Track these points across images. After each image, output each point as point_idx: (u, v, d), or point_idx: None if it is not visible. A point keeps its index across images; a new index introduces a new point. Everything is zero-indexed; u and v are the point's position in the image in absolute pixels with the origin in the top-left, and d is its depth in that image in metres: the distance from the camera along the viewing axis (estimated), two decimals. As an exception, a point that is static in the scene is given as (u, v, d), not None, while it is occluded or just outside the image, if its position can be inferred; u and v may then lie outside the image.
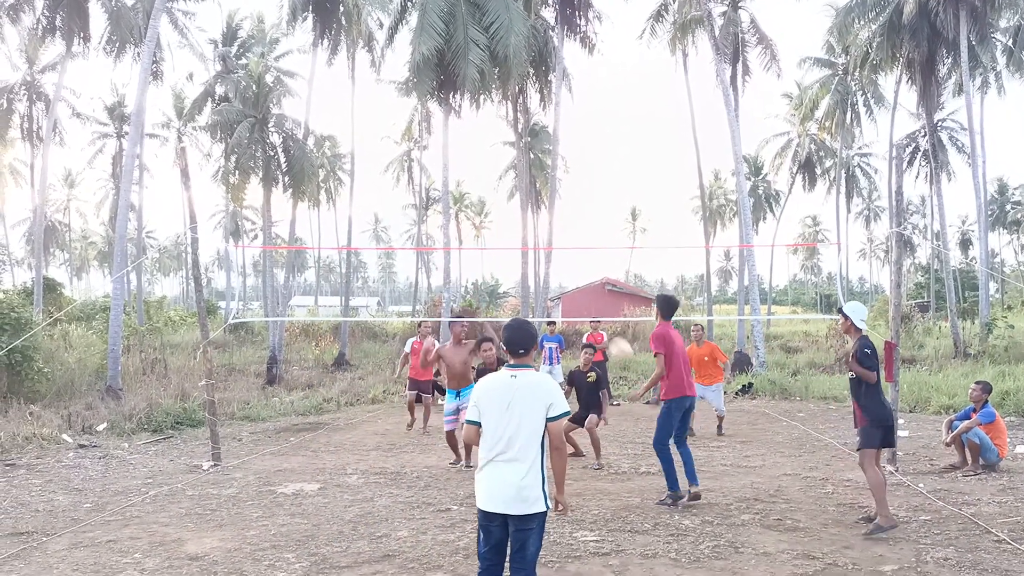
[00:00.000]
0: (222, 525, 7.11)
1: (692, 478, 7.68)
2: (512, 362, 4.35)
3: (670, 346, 7.54)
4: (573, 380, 10.27)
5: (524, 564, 4.20)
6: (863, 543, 6.30)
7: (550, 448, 4.23)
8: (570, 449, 10.20)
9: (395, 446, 11.50)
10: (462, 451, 9.78)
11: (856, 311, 6.96)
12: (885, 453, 9.40)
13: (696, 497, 7.66)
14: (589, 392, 10.09)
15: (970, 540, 6.35)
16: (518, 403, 4.19)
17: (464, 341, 9.82)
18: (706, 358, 12.38)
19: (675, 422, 7.62)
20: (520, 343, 4.34)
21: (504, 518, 4.18)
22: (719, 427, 12.56)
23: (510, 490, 4.12)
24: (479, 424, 4.28)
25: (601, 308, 33.72)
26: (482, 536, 4.26)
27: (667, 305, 7.78)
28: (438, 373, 12.03)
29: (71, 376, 16.40)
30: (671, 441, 7.67)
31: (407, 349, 13.18)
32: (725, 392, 18.89)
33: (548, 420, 4.18)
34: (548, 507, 4.22)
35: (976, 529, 6.66)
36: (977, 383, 9.51)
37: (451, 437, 9.79)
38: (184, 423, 13.49)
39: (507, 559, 4.26)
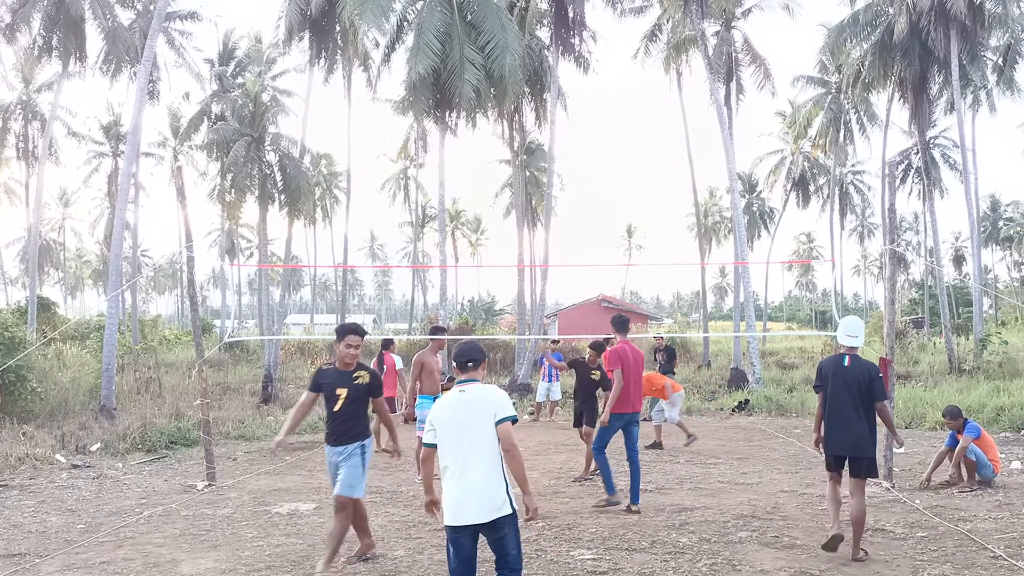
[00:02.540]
0: (217, 546, 7.07)
1: (634, 497, 8.18)
2: (461, 377, 4.60)
3: (625, 363, 8.15)
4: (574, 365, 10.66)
5: (509, 567, 4.43)
6: (860, 560, 6.29)
7: (503, 451, 4.38)
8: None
9: (391, 465, 11.45)
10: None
11: (844, 326, 6.58)
12: (883, 470, 9.40)
13: (633, 511, 8.05)
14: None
15: (967, 556, 6.34)
16: (469, 415, 4.41)
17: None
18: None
19: (612, 433, 8.22)
20: (467, 355, 4.59)
21: (474, 530, 4.35)
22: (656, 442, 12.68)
23: (476, 499, 4.30)
24: (435, 446, 4.51)
25: (597, 325, 33.71)
26: (452, 551, 4.42)
27: (621, 323, 8.45)
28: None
29: (65, 396, 16.30)
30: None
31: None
32: (721, 408, 19.03)
33: (496, 424, 4.38)
34: (515, 509, 4.39)
35: (973, 545, 6.66)
36: (944, 415, 9.62)
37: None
38: (178, 443, 13.41)
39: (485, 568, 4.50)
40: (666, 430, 13.27)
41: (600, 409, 8.71)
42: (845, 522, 6.83)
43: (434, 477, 4.73)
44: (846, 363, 6.36)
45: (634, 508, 8.08)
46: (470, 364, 4.59)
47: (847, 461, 6.35)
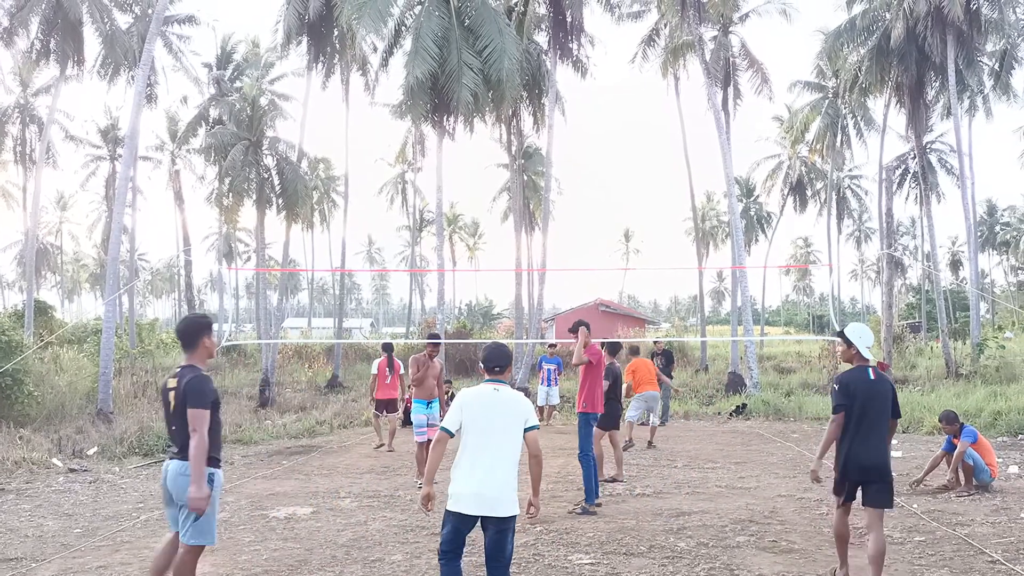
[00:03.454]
0: (214, 550, 7.03)
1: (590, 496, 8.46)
2: (488, 377, 4.85)
3: (599, 361, 8.62)
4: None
5: (502, 564, 4.64)
6: (858, 565, 6.28)
7: (529, 456, 4.73)
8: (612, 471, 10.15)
9: (389, 469, 11.44)
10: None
11: (859, 334, 5.69)
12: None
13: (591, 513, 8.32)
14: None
15: (964, 561, 6.35)
16: (502, 414, 4.68)
17: (435, 357, 10.42)
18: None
19: (591, 435, 8.50)
20: (496, 360, 4.86)
21: (476, 521, 4.57)
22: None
23: (499, 495, 4.53)
24: (452, 434, 4.68)
25: (595, 329, 33.69)
26: (451, 531, 4.61)
27: (587, 326, 8.60)
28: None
29: (62, 399, 16.27)
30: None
31: (373, 371, 13.58)
32: (719, 412, 19.04)
33: (526, 431, 4.70)
34: (518, 511, 4.66)
35: (970, 550, 6.66)
36: (940, 420, 9.63)
37: (422, 452, 9.84)
38: (176, 446, 13.36)
39: (465, 553, 4.74)
40: (660, 432, 13.35)
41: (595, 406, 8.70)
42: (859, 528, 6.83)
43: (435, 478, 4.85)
44: (872, 377, 5.62)
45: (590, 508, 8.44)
46: (497, 368, 4.85)
47: (861, 489, 5.63)
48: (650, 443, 13.36)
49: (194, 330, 5.11)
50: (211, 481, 4.88)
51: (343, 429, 16.91)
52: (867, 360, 5.66)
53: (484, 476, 4.53)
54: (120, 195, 19.41)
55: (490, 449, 4.59)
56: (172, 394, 4.93)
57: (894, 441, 11.40)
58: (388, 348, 13.64)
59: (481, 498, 4.52)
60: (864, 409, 5.53)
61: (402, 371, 13.21)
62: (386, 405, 13.27)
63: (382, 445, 13.25)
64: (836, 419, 5.61)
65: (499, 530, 4.57)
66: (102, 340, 17.85)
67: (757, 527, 7.56)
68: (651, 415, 13.55)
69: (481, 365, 4.97)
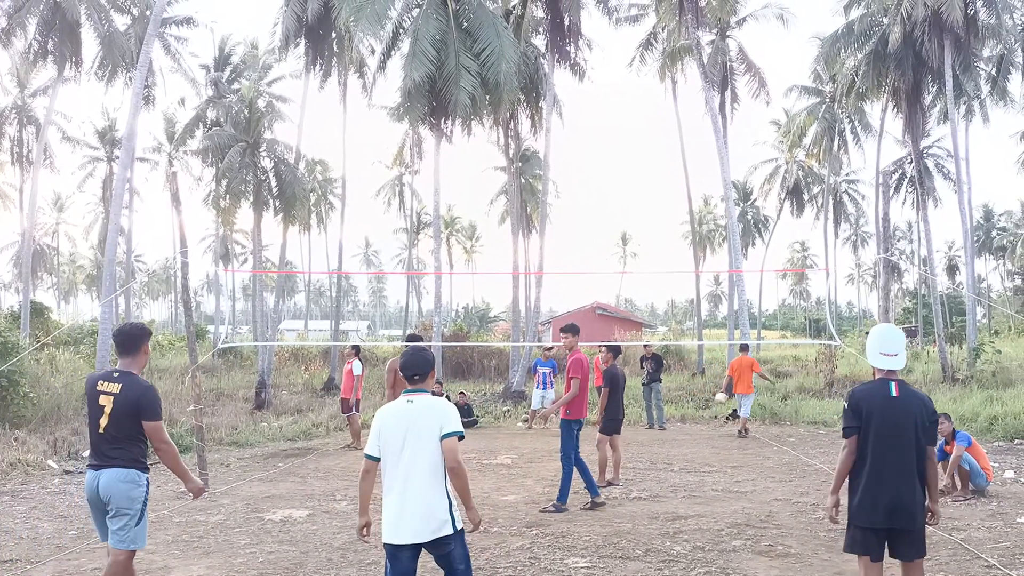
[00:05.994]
0: (209, 552, 7.04)
1: (593, 489, 8.71)
2: (408, 388, 4.39)
3: (585, 373, 8.64)
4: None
5: None
6: (854, 569, 6.28)
7: (447, 469, 4.18)
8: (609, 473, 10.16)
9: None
10: None
11: (878, 341, 4.59)
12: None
13: (599, 505, 8.62)
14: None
15: (960, 566, 6.35)
16: (415, 428, 4.18)
17: None
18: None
19: (575, 439, 8.53)
20: (414, 368, 4.38)
21: (414, 548, 4.15)
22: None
23: (417, 517, 4.11)
24: (377, 460, 4.28)
25: (592, 332, 33.69)
26: (389, 568, 4.23)
27: (577, 330, 8.77)
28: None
29: (57, 401, 16.24)
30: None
31: (358, 371, 14.32)
32: (715, 416, 19.04)
33: (441, 439, 4.15)
34: (459, 527, 4.21)
35: (966, 555, 6.66)
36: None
37: None
38: (171, 448, 13.34)
39: None
40: (655, 436, 13.41)
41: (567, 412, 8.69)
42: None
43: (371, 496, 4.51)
44: (894, 393, 4.44)
45: (598, 500, 8.64)
46: (416, 377, 4.38)
47: (889, 540, 4.49)
48: (739, 432, 15.46)
49: (137, 335, 5.11)
50: (146, 485, 4.90)
51: (339, 432, 16.86)
52: (889, 372, 4.51)
53: (402, 498, 4.14)
54: (117, 196, 19.36)
55: (402, 468, 4.15)
56: (110, 399, 4.82)
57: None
58: (358, 350, 14.74)
59: (403, 523, 4.12)
60: (882, 434, 4.39)
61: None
62: (358, 405, 14.31)
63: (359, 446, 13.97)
64: (847, 445, 4.53)
65: (439, 554, 4.21)
66: (98, 342, 17.81)
67: (753, 531, 7.56)
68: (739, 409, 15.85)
69: (400, 373, 4.54)
